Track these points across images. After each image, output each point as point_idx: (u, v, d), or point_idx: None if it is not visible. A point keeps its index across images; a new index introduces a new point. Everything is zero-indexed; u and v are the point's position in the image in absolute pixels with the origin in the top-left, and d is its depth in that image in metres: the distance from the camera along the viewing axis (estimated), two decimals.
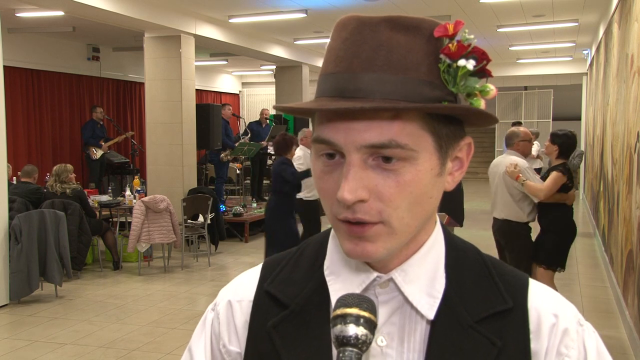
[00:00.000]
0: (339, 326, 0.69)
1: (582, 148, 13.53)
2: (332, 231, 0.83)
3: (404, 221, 0.73)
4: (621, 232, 5.66)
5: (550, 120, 16.80)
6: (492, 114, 0.75)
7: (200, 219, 7.72)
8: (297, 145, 6.75)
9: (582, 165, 13.26)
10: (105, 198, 7.99)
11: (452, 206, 5.81)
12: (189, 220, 7.62)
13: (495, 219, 5.06)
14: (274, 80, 13.28)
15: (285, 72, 12.52)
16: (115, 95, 12.78)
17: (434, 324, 0.77)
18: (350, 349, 0.68)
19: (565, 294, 0.85)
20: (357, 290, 0.78)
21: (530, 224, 4.95)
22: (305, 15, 8.56)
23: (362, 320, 0.68)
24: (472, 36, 0.72)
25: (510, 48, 12.58)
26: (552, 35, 11.19)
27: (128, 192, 7.84)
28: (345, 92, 0.71)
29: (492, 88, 0.75)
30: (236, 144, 10.31)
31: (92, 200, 7.56)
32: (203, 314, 0.91)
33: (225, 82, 17.43)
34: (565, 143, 4.75)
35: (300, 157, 6.79)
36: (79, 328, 5.17)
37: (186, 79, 8.68)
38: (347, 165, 0.71)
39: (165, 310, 5.70)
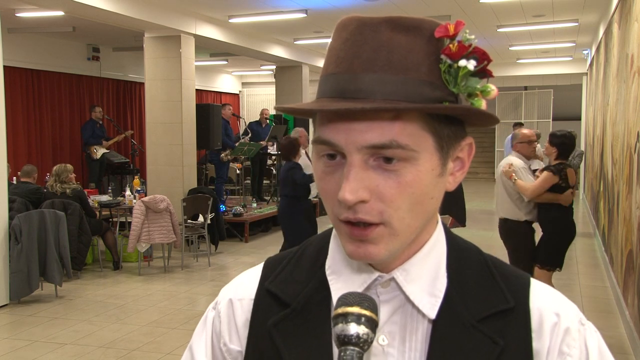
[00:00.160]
0: (340, 325, 0.69)
1: (582, 148, 13.53)
2: (334, 231, 0.83)
3: (405, 222, 0.73)
4: (621, 232, 5.66)
5: (550, 120, 16.80)
6: (493, 114, 0.75)
7: (200, 219, 7.72)
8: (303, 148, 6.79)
9: (582, 165, 13.25)
10: (105, 198, 7.99)
11: (455, 207, 5.86)
12: (189, 220, 7.62)
13: (499, 219, 5.14)
14: (274, 80, 13.28)
15: (285, 72, 12.52)
16: (115, 95, 12.78)
17: (435, 324, 0.77)
18: (352, 347, 0.68)
19: (565, 294, 0.85)
20: (359, 290, 0.78)
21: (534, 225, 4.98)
22: (305, 15, 8.56)
23: (363, 319, 0.68)
24: (472, 36, 0.72)
25: (510, 48, 12.58)
26: (552, 35, 11.19)
27: (128, 192, 7.84)
28: (346, 93, 0.71)
29: (493, 88, 0.75)
30: (236, 144, 10.31)
31: (92, 200, 7.56)
32: (203, 314, 0.91)
33: (225, 82, 17.43)
34: (563, 144, 4.75)
35: None
36: (79, 328, 5.17)
37: (186, 79, 8.68)
38: (348, 165, 0.71)
39: (165, 310, 5.70)
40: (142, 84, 10.75)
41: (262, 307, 0.83)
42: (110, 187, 8.97)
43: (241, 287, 0.88)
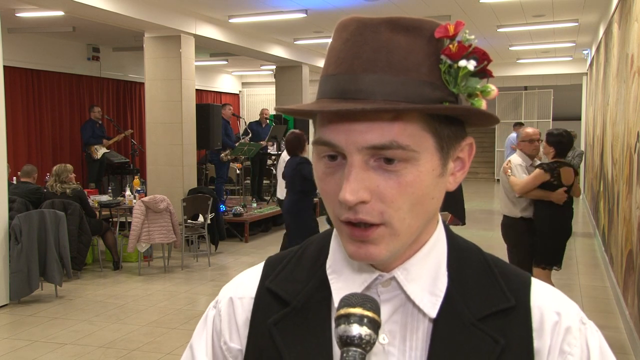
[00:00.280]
0: (342, 326, 0.69)
1: (582, 148, 13.53)
2: (335, 230, 0.84)
3: (406, 222, 0.73)
4: (621, 232, 5.66)
5: (550, 120, 16.81)
6: (493, 114, 0.75)
7: (200, 219, 7.72)
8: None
9: (582, 165, 13.26)
10: (105, 198, 7.99)
11: (454, 205, 5.87)
12: (189, 220, 7.62)
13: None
14: (274, 80, 13.28)
15: (285, 72, 12.52)
16: (115, 95, 12.78)
17: (436, 322, 0.77)
18: (354, 349, 0.68)
19: (565, 294, 0.85)
20: (359, 289, 0.78)
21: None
22: (305, 15, 8.56)
23: (365, 320, 0.69)
24: (472, 37, 0.72)
25: (510, 48, 12.58)
26: (552, 35, 11.19)
27: (128, 192, 7.84)
28: (346, 94, 0.71)
29: (493, 88, 0.75)
30: (236, 144, 10.31)
31: (92, 200, 7.56)
32: (204, 313, 0.91)
33: (225, 82, 17.43)
34: (560, 142, 4.75)
35: None
36: (79, 328, 5.17)
37: (186, 79, 8.68)
38: (349, 166, 0.71)
39: (165, 310, 5.70)
40: (142, 84, 10.75)
41: (262, 306, 0.84)
42: (110, 187, 8.96)
43: (242, 286, 0.88)
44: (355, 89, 0.71)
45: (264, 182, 11.84)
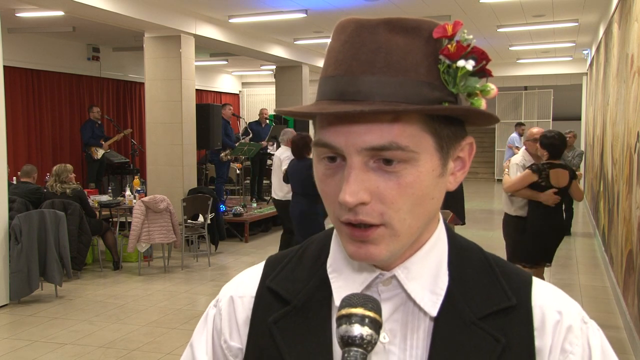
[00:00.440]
0: (344, 326, 0.69)
1: (582, 148, 13.53)
2: (335, 230, 0.84)
3: (406, 222, 0.73)
4: (621, 232, 5.66)
5: (550, 120, 16.80)
6: (492, 113, 0.75)
7: (200, 219, 7.72)
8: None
9: (582, 165, 13.26)
10: (105, 198, 7.99)
11: (455, 205, 5.89)
12: (189, 220, 7.62)
13: None
14: (274, 80, 13.28)
15: (285, 72, 12.52)
16: (115, 95, 12.78)
17: (437, 321, 0.77)
18: (356, 349, 0.68)
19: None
20: (360, 288, 0.78)
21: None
22: (305, 15, 8.56)
23: (367, 320, 0.69)
24: (471, 36, 0.72)
25: (510, 48, 12.58)
26: (552, 35, 11.19)
27: (128, 192, 7.84)
28: (345, 95, 0.71)
29: (492, 87, 0.75)
30: (236, 144, 10.31)
31: (92, 200, 7.56)
32: (204, 313, 0.92)
33: (225, 82, 17.44)
34: (552, 145, 4.77)
35: (289, 157, 6.78)
36: (79, 328, 5.17)
37: (186, 79, 8.68)
38: (348, 168, 0.71)
39: (165, 310, 5.70)
40: (142, 84, 10.75)
41: (262, 305, 0.84)
42: (110, 187, 8.97)
43: (242, 285, 0.88)
44: (354, 90, 0.71)
45: (264, 182, 11.83)
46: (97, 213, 7.35)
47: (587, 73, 14.60)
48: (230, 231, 8.88)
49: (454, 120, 0.75)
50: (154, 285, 6.64)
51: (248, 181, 11.59)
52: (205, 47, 10.27)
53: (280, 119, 11.70)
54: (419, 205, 0.73)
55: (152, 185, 8.64)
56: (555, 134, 4.83)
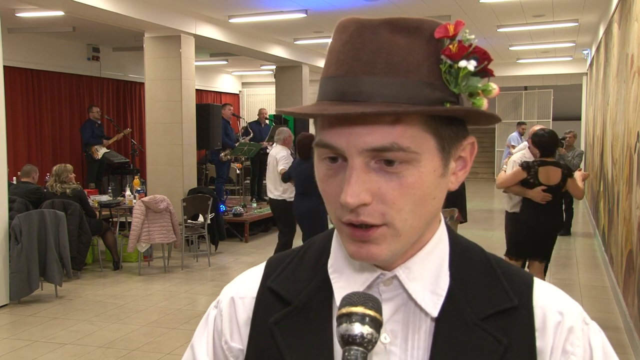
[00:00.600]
0: (344, 325, 0.69)
1: (582, 148, 13.54)
2: (336, 230, 0.84)
3: (408, 223, 0.73)
4: (621, 232, 5.66)
5: (550, 120, 16.80)
6: (494, 113, 0.75)
7: (200, 219, 7.72)
8: None
9: (582, 165, 13.26)
10: (105, 198, 7.99)
11: (460, 202, 5.96)
12: (189, 220, 7.62)
13: None
14: (274, 80, 13.28)
15: (285, 72, 12.52)
16: (115, 95, 12.78)
17: (438, 322, 0.77)
18: (356, 348, 0.68)
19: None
20: (361, 288, 0.78)
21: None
22: (305, 15, 8.56)
23: (367, 319, 0.69)
24: (472, 36, 0.72)
25: (510, 48, 12.58)
26: (552, 35, 11.19)
27: (128, 192, 7.84)
28: (346, 96, 0.71)
29: (494, 87, 0.74)
30: (236, 144, 10.31)
31: (92, 200, 7.56)
32: (204, 313, 0.91)
33: (225, 82, 17.43)
34: (541, 142, 4.81)
35: (285, 156, 6.79)
36: (79, 328, 5.17)
37: (186, 79, 8.68)
38: (350, 169, 0.71)
39: (165, 310, 5.70)
40: (142, 84, 10.74)
41: (263, 305, 0.84)
42: (110, 187, 8.97)
43: (243, 286, 0.88)
44: (355, 91, 0.70)
45: (264, 182, 11.82)
46: (97, 213, 7.35)
47: (587, 73, 14.60)
48: (230, 231, 8.88)
49: (455, 120, 0.75)
50: (154, 285, 6.64)
51: (248, 181, 11.59)
52: (205, 47, 10.26)
53: (280, 119, 11.69)
54: (421, 205, 0.73)
55: (152, 185, 8.64)
56: (545, 132, 4.86)
